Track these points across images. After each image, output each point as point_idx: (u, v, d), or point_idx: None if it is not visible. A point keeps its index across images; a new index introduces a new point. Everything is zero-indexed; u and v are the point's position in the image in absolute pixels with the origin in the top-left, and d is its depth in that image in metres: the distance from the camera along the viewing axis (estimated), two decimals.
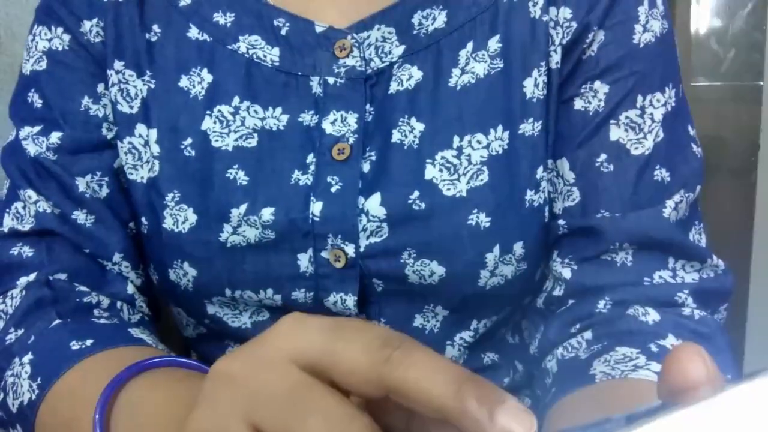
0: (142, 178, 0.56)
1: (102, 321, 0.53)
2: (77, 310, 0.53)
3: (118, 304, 0.56)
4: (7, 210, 0.58)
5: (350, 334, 0.27)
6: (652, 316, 0.52)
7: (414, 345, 0.26)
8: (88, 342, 0.48)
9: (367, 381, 0.26)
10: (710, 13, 1.69)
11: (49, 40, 0.58)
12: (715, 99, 1.67)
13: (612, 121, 0.55)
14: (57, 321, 0.51)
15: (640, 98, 0.55)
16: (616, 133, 0.55)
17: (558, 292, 0.56)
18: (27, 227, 0.56)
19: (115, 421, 0.41)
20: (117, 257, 0.57)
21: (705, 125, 1.59)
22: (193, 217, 0.54)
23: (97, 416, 0.40)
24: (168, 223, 0.55)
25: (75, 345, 0.48)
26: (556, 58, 0.55)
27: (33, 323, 0.52)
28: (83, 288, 0.55)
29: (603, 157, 0.55)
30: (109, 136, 0.58)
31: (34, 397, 0.47)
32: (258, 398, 0.26)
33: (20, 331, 0.52)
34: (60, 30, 0.58)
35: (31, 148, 0.57)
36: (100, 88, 0.58)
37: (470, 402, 0.24)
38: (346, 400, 0.26)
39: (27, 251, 0.56)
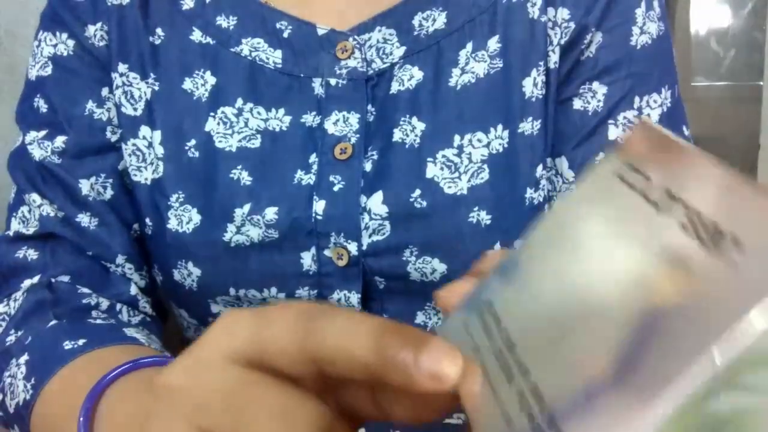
0: (146, 179, 0.57)
1: (98, 321, 0.53)
2: (75, 312, 0.54)
3: (118, 306, 0.56)
4: (15, 214, 0.58)
5: (273, 316, 0.26)
6: None
7: (333, 311, 0.25)
8: (81, 342, 0.49)
9: (295, 358, 0.25)
10: (710, 13, 1.69)
11: (54, 46, 0.59)
12: (715, 99, 1.67)
13: (610, 122, 0.56)
14: (53, 322, 0.52)
15: (637, 99, 0.56)
16: (614, 132, 0.56)
17: None
18: (31, 231, 0.57)
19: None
20: (120, 259, 0.58)
21: (705, 125, 1.59)
22: (197, 218, 0.55)
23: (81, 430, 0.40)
24: (172, 224, 0.55)
25: (68, 345, 0.48)
26: (554, 58, 0.56)
27: (31, 325, 0.52)
28: (85, 290, 0.56)
29: (601, 155, 0.55)
30: (113, 138, 0.58)
31: (28, 397, 0.48)
32: (202, 405, 0.25)
33: (20, 333, 0.52)
34: (65, 36, 0.58)
35: (37, 153, 0.57)
36: (105, 91, 0.58)
37: (391, 351, 0.23)
38: (291, 387, 0.25)
39: (31, 254, 0.57)
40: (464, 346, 0.25)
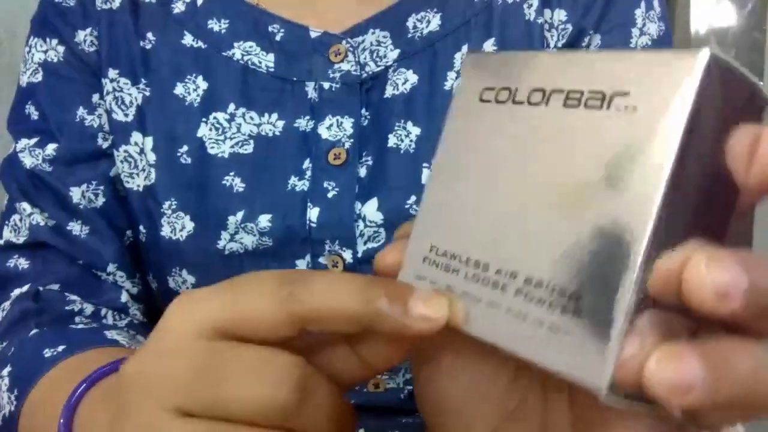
0: (139, 186, 0.56)
1: (80, 326, 0.53)
2: (58, 319, 0.53)
3: (103, 311, 0.55)
4: (6, 222, 0.58)
5: (244, 286, 0.26)
6: None
7: (310, 273, 0.26)
8: (60, 348, 0.48)
9: (278, 323, 0.25)
10: (710, 13, 1.68)
11: (45, 52, 0.58)
12: None
13: None
14: (35, 331, 0.51)
15: None
16: None
17: None
18: (22, 240, 0.56)
19: None
20: (111, 267, 0.57)
21: None
22: (190, 225, 0.54)
23: None
24: (165, 231, 0.54)
25: (47, 353, 0.48)
26: None
27: (15, 335, 0.52)
28: (72, 297, 0.55)
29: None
30: (105, 145, 0.57)
31: (13, 408, 0.47)
32: (173, 384, 0.25)
33: (3, 344, 0.52)
34: (55, 41, 0.58)
35: (28, 161, 0.57)
36: (95, 97, 0.57)
37: (380, 302, 0.25)
38: (262, 346, 0.25)
39: (22, 263, 0.56)
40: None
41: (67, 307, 0.54)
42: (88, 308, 0.55)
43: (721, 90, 0.21)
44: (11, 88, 0.61)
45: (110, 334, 0.51)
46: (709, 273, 0.19)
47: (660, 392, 0.19)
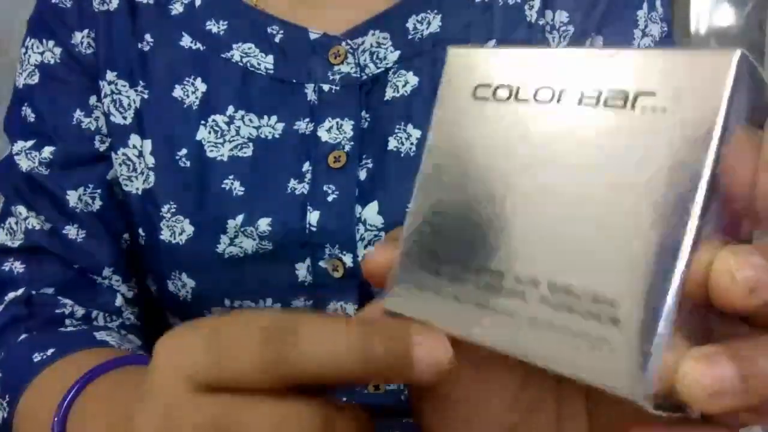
0: (138, 189, 0.55)
1: (69, 329, 0.52)
2: (47, 323, 0.52)
3: (94, 313, 0.55)
4: (2, 225, 0.57)
5: (232, 337, 0.24)
6: None
7: (301, 322, 0.24)
8: (49, 352, 0.48)
9: (267, 382, 0.24)
10: (710, 13, 1.68)
11: (41, 54, 0.57)
12: None
13: None
14: (24, 335, 0.51)
15: None
16: None
17: None
18: (17, 243, 0.56)
19: None
20: (107, 271, 0.56)
21: None
22: (189, 229, 0.53)
23: None
24: (165, 235, 0.54)
25: (37, 357, 0.48)
26: None
27: (5, 341, 0.51)
28: (64, 300, 0.54)
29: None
30: (102, 148, 0.57)
31: (6, 414, 0.47)
32: None
33: None
34: (51, 43, 0.57)
35: (24, 163, 0.56)
36: (92, 100, 0.57)
37: (383, 356, 0.23)
38: (276, 398, 0.24)
39: (18, 267, 0.56)
40: (442, 305, 0.25)
41: (57, 311, 0.53)
42: (79, 311, 0.54)
43: (748, 91, 0.21)
44: (12, 87, 0.61)
45: (99, 335, 0.50)
46: (738, 268, 0.19)
47: (696, 397, 0.19)
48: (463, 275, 0.24)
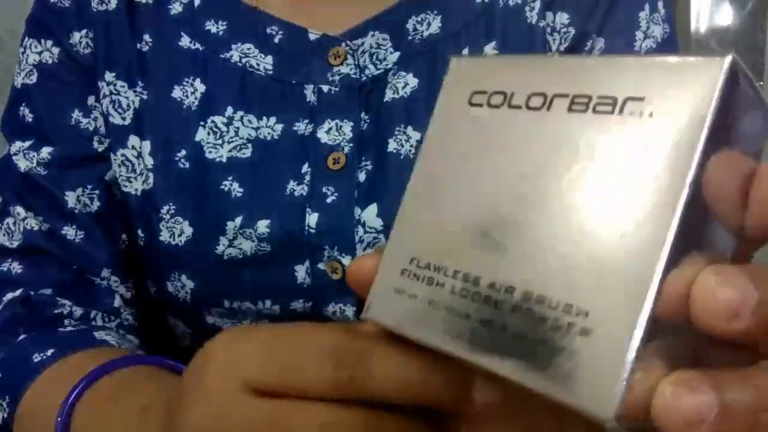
0: (137, 190, 0.55)
1: (68, 329, 0.52)
2: (46, 323, 0.52)
3: (93, 313, 0.55)
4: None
5: (299, 350, 0.25)
6: None
7: (369, 350, 0.25)
8: (49, 352, 0.47)
9: (338, 397, 0.25)
10: (710, 13, 1.68)
11: (39, 53, 0.57)
12: None
13: None
14: (23, 336, 0.51)
15: None
16: None
17: None
18: (15, 244, 0.55)
19: None
20: (106, 272, 0.56)
21: None
22: (188, 230, 0.53)
23: None
24: (164, 236, 0.53)
25: (37, 357, 0.47)
26: None
27: (4, 341, 0.51)
28: (63, 301, 0.54)
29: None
30: (100, 149, 0.56)
31: (6, 415, 0.47)
32: None
33: None
34: (50, 43, 0.57)
35: (22, 164, 0.56)
36: (91, 100, 0.56)
37: (446, 390, 0.25)
38: (322, 405, 0.25)
39: (16, 268, 0.55)
40: (415, 311, 0.24)
41: (56, 311, 0.53)
42: (78, 311, 0.54)
43: (740, 99, 0.20)
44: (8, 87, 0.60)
45: (99, 335, 0.50)
46: (720, 288, 0.18)
47: (671, 424, 0.18)
48: (440, 279, 0.24)
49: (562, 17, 0.53)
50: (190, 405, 0.26)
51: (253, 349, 0.26)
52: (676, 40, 0.57)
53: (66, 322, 0.53)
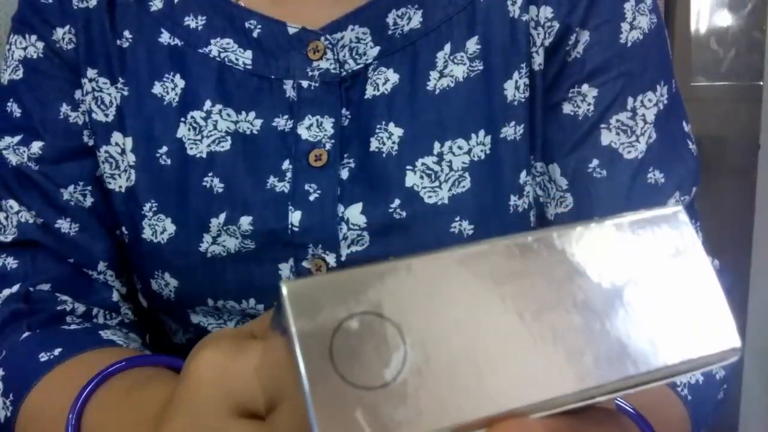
0: (120, 187, 0.54)
1: (72, 327, 0.51)
2: (49, 320, 0.51)
3: (95, 310, 0.54)
4: None
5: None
6: None
7: None
8: (56, 351, 0.47)
9: None
10: (710, 13, 1.67)
11: (24, 49, 0.56)
12: (715, 99, 1.64)
13: (602, 126, 0.52)
14: (27, 333, 0.50)
15: (630, 100, 0.52)
16: (607, 137, 0.52)
17: None
18: (9, 238, 0.55)
19: None
20: (102, 266, 0.55)
21: (705, 125, 1.56)
22: (171, 228, 0.52)
23: None
24: (147, 234, 0.52)
25: (43, 356, 0.47)
26: (538, 60, 0.52)
27: (6, 338, 0.50)
28: (64, 297, 0.53)
29: (595, 162, 0.52)
30: (90, 143, 0.55)
31: (9, 414, 0.46)
32: None
33: None
34: (34, 38, 0.56)
35: (13, 158, 0.55)
36: (78, 94, 0.55)
37: None
38: None
39: (11, 263, 0.54)
40: None
41: (58, 308, 0.52)
42: (80, 308, 0.53)
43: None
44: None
45: (105, 334, 0.50)
46: None
47: None
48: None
49: (546, 11, 0.52)
50: (173, 416, 0.27)
51: (246, 371, 0.26)
52: (664, 31, 0.55)
53: (68, 319, 0.52)
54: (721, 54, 1.67)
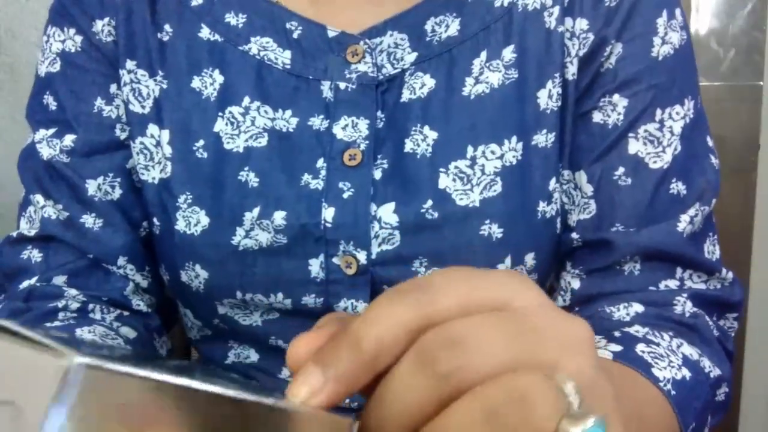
0: (154, 178, 0.54)
1: (55, 323, 0.50)
2: (40, 317, 0.51)
3: (90, 305, 0.53)
4: (23, 214, 0.56)
5: None
6: (635, 308, 0.51)
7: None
8: None
9: None
10: (710, 13, 1.67)
11: (63, 42, 0.55)
12: (715, 99, 1.65)
13: (631, 135, 0.52)
14: None
15: (659, 111, 0.52)
16: (634, 146, 0.52)
17: (563, 302, 0.55)
18: (33, 232, 0.55)
19: None
20: (122, 260, 0.55)
21: None
22: (205, 220, 0.52)
23: None
24: (180, 225, 0.53)
25: None
26: (572, 70, 0.52)
27: None
28: (71, 292, 0.53)
29: (621, 170, 0.53)
30: (123, 136, 0.55)
31: None
32: None
33: None
34: (72, 31, 0.55)
35: (45, 151, 0.55)
36: (113, 88, 0.55)
37: None
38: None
39: (35, 256, 0.54)
40: None
41: (50, 304, 0.52)
42: (74, 304, 0.52)
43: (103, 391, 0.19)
44: (11, 87, 0.60)
45: (80, 332, 0.49)
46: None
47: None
48: None
49: (582, 23, 0.52)
50: None
51: None
52: (692, 48, 0.56)
53: (60, 315, 0.52)
54: (721, 54, 1.66)
